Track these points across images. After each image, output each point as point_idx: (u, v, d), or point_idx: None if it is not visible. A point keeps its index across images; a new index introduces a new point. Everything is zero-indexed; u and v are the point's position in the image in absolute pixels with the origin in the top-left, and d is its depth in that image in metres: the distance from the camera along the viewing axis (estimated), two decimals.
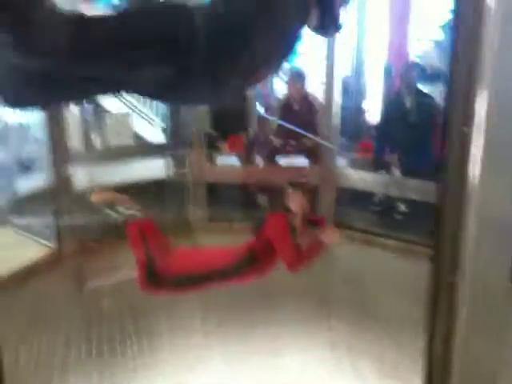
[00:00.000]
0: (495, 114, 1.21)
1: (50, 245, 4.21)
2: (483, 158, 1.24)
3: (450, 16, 5.31)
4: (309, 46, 8.27)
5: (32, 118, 6.00)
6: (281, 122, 4.73)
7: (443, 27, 5.49)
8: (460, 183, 1.30)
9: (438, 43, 5.73)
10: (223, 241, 4.49)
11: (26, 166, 4.43)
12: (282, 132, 5.19)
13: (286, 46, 1.84)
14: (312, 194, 3.46)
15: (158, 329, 3.34)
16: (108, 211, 3.02)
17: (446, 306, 1.47)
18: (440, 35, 5.66)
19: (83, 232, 4.22)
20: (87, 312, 3.46)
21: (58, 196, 4.18)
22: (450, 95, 1.28)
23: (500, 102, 1.21)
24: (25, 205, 4.10)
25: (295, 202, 2.95)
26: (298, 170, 4.93)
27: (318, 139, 4.73)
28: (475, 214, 1.31)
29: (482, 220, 1.30)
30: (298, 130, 4.51)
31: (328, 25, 1.89)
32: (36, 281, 3.80)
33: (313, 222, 3.03)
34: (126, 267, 3.74)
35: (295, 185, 3.10)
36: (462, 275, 1.40)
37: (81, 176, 4.42)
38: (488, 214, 1.31)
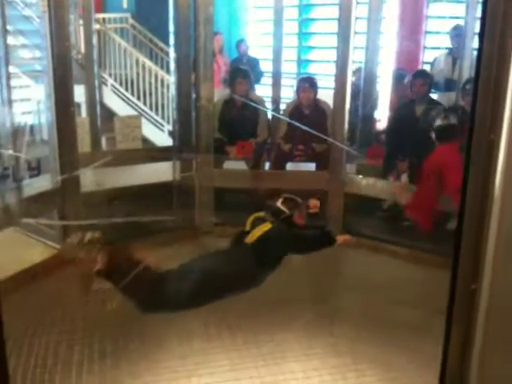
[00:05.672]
0: None
1: (56, 246, 4.21)
2: (509, 166, 1.21)
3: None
4: (319, 53, 8.30)
5: (41, 120, 6.02)
6: (294, 123, 4.68)
7: (456, 36, 5.46)
8: (484, 193, 1.28)
9: (451, 51, 5.70)
10: None
11: (33, 167, 4.42)
12: (290, 137, 5.17)
13: None
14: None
15: (161, 332, 3.32)
16: None
17: (464, 315, 1.45)
18: (453, 44, 5.63)
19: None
20: (92, 314, 3.43)
21: (66, 198, 4.17)
22: (475, 101, 1.26)
23: None
24: (32, 206, 4.09)
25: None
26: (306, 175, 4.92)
27: (329, 141, 4.68)
28: (498, 224, 1.29)
29: (505, 230, 1.28)
30: (308, 133, 4.48)
31: None
32: (42, 282, 3.81)
33: None
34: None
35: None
36: (482, 285, 1.38)
37: (89, 178, 4.41)
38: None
